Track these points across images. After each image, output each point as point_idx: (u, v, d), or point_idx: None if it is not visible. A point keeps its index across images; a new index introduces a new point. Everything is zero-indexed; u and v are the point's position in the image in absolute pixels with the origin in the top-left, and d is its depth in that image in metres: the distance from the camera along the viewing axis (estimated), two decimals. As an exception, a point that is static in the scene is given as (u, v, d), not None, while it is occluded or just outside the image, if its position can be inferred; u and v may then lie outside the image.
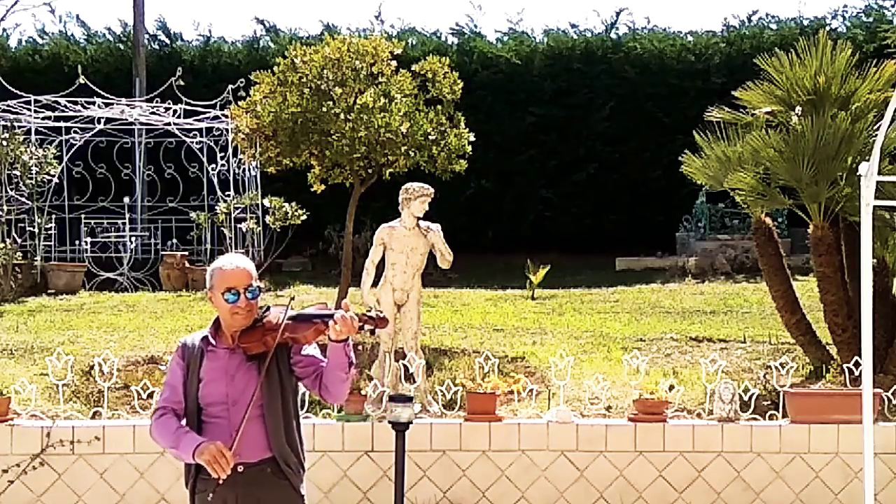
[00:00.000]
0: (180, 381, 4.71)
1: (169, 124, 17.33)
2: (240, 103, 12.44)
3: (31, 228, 16.30)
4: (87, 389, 8.65)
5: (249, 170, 16.67)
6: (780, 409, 8.09)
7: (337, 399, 4.79)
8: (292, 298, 4.75)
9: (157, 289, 15.83)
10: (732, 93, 10.03)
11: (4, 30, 22.45)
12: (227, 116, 15.23)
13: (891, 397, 8.17)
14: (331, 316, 4.60)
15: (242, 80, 14.76)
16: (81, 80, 16.51)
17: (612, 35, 21.36)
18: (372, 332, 4.88)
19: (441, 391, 8.18)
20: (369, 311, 4.72)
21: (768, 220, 9.79)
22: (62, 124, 17.17)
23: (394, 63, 11.76)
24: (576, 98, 20.35)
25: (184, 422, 4.69)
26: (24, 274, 15.12)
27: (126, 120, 17.49)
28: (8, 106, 16.61)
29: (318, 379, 4.67)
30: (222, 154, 17.10)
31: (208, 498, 4.64)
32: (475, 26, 21.77)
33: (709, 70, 20.31)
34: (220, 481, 4.51)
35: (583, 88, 20.42)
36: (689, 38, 21.19)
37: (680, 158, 9.90)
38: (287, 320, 4.62)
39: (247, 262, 4.76)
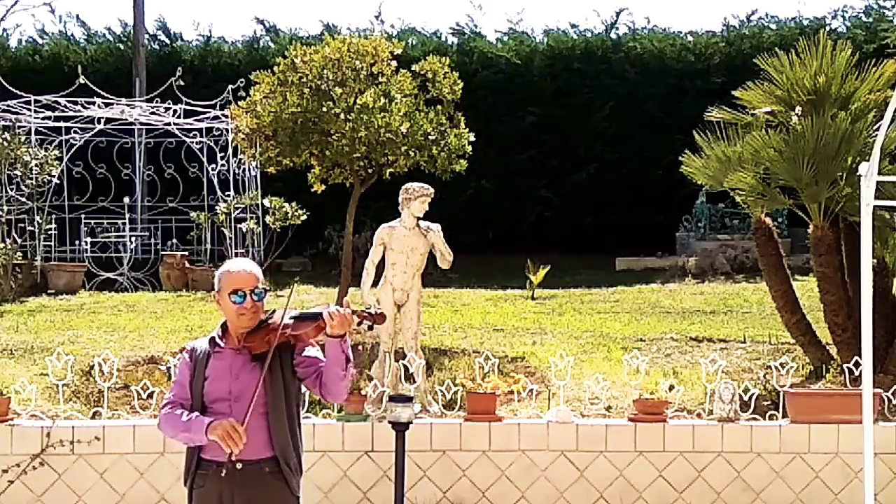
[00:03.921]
0: (188, 378, 4.86)
1: (169, 124, 17.32)
2: (240, 103, 12.43)
3: (31, 228, 16.29)
4: (87, 389, 8.64)
5: (249, 170, 16.67)
6: (780, 409, 8.09)
7: (337, 398, 4.87)
8: (295, 282, 4.88)
9: (157, 289, 15.82)
10: (732, 93, 10.02)
11: (4, 30, 22.47)
12: (227, 116, 15.22)
13: (891, 397, 8.17)
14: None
15: (242, 80, 14.76)
16: (81, 80, 16.51)
17: (612, 35, 21.36)
18: (370, 328, 5.03)
19: (441, 391, 8.18)
20: (368, 307, 4.84)
21: (768, 220, 9.78)
22: (62, 124, 17.15)
23: (394, 63, 11.75)
24: (576, 98, 20.34)
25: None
26: (24, 274, 15.11)
27: (126, 120, 17.48)
28: (8, 106, 16.61)
29: (319, 378, 4.78)
30: (222, 154, 17.09)
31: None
32: (475, 26, 21.79)
33: (709, 70, 20.30)
34: (223, 473, 4.65)
35: (583, 88, 20.41)
36: (689, 38, 21.19)
37: (680, 158, 9.90)
38: (289, 319, 4.76)
39: (253, 266, 4.94)
